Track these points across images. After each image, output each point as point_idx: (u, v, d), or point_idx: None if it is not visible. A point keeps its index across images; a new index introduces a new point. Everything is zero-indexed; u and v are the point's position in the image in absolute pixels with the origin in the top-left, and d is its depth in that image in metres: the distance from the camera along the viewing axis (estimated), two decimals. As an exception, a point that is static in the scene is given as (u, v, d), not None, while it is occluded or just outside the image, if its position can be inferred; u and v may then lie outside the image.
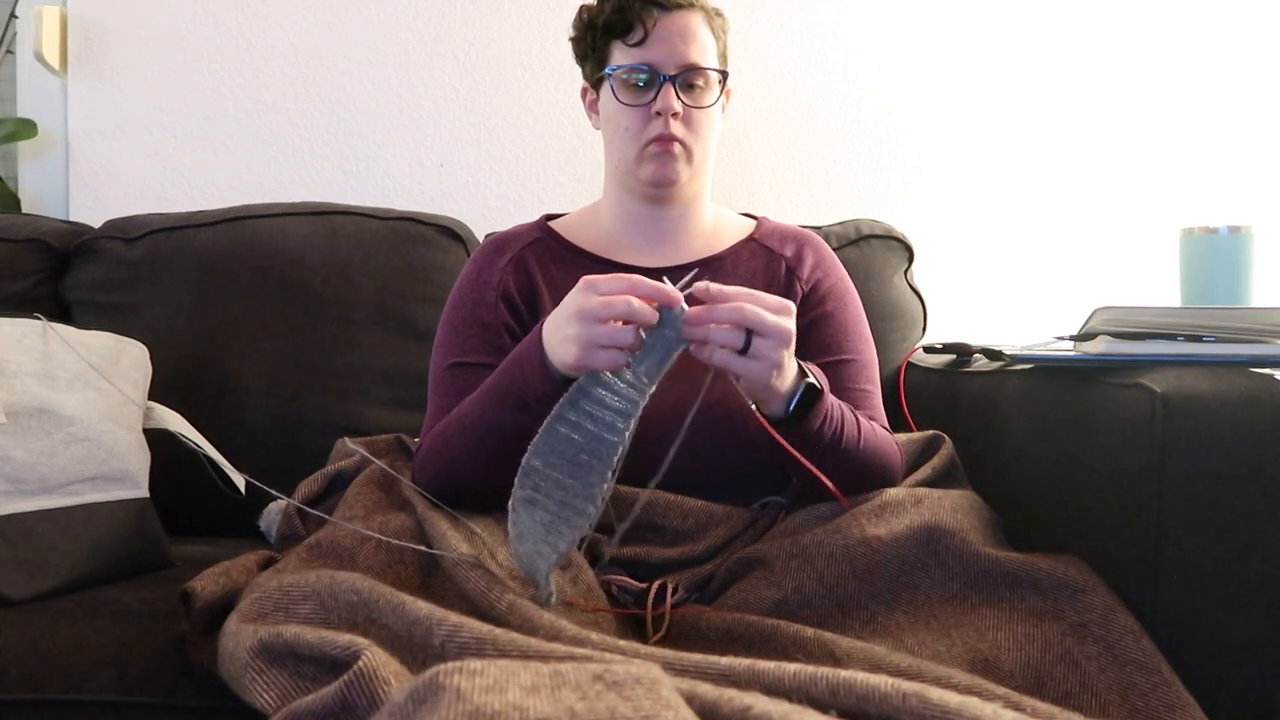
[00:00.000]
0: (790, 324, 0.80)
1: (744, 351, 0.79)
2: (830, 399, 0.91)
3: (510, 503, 0.77)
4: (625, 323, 0.77)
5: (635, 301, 0.76)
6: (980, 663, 0.74)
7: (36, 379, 1.07)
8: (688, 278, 0.79)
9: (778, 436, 0.84)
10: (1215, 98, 1.77)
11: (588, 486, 0.76)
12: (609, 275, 0.79)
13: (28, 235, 1.47)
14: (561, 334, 0.81)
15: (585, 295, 0.79)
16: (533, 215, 1.20)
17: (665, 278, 0.80)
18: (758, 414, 0.88)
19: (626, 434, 0.76)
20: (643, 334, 0.77)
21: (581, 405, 0.77)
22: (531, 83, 1.74)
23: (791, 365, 0.85)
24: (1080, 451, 0.93)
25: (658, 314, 0.77)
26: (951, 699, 0.55)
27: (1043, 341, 1.10)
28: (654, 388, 0.77)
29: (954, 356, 1.32)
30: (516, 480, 0.77)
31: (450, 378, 1.05)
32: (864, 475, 0.95)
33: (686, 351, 0.79)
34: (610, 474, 0.76)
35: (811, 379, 0.88)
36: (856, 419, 0.95)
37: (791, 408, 0.87)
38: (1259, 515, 0.80)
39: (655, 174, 1.05)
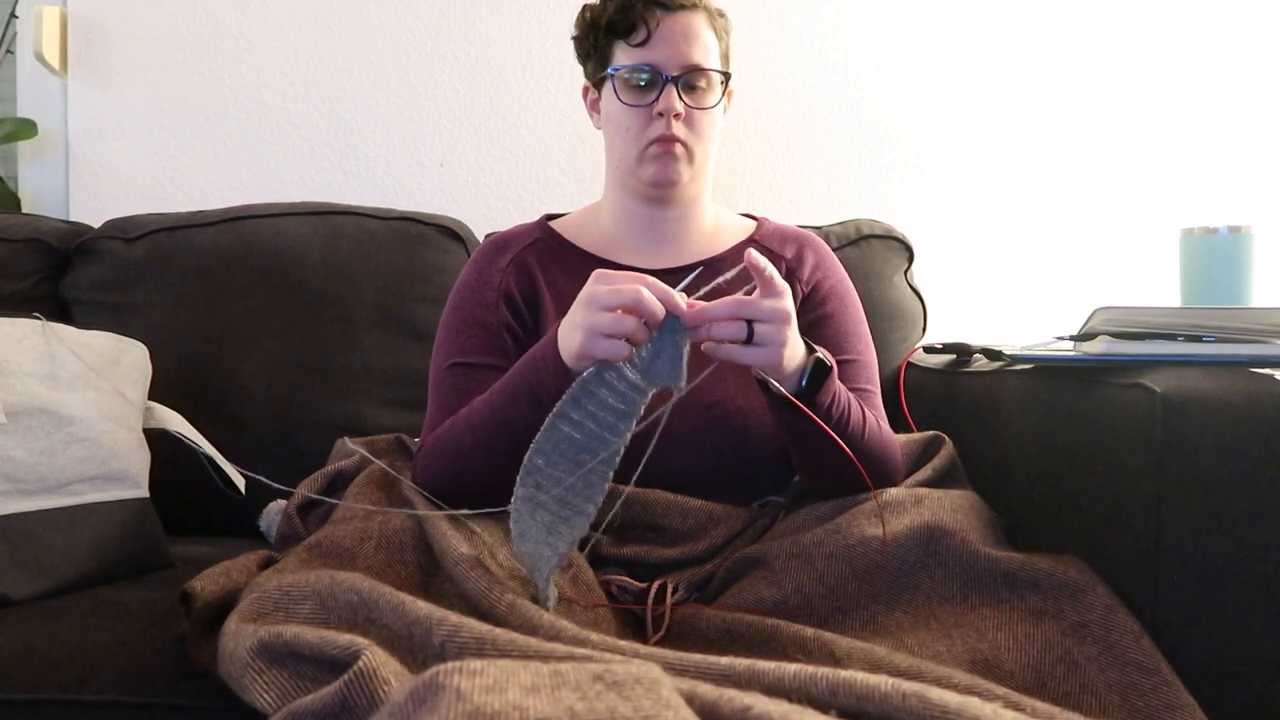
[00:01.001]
0: (786, 303, 0.81)
1: (749, 341, 0.80)
2: (839, 384, 0.92)
3: (513, 501, 0.78)
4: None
5: (644, 291, 0.76)
6: (980, 663, 0.74)
7: (37, 379, 1.07)
8: (689, 278, 0.80)
9: (807, 410, 0.85)
10: (1215, 98, 1.77)
11: (588, 486, 0.76)
12: (623, 272, 0.80)
13: (28, 235, 1.47)
14: (570, 323, 0.82)
15: (595, 284, 0.80)
16: (533, 215, 1.20)
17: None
18: (789, 397, 0.88)
19: (628, 434, 0.76)
20: (661, 344, 0.77)
21: (584, 404, 0.77)
22: (531, 83, 1.74)
23: (798, 342, 0.86)
24: (1080, 451, 0.93)
25: (664, 310, 0.77)
26: (951, 699, 0.55)
27: (1043, 341, 1.10)
28: (653, 392, 0.77)
29: (954, 356, 1.32)
30: (519, 478, 0.77)
31: (451, 378, 1.05)
32: (869, 468, 0.95)
33: (693, 349, 0.79)
34: (610, 473, 0.76)
35: (820, 354, 0.89)
36: (863, 411, 0.96)
37: (804, 382, 0.88)
38: (1259, 515, 0.80)
39: (656, 174, 1.05)
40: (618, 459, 0.76)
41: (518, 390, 0.89)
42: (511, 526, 0.78)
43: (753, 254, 0.79)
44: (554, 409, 0.77)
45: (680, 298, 0.78)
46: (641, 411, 0.77)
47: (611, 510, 0.87)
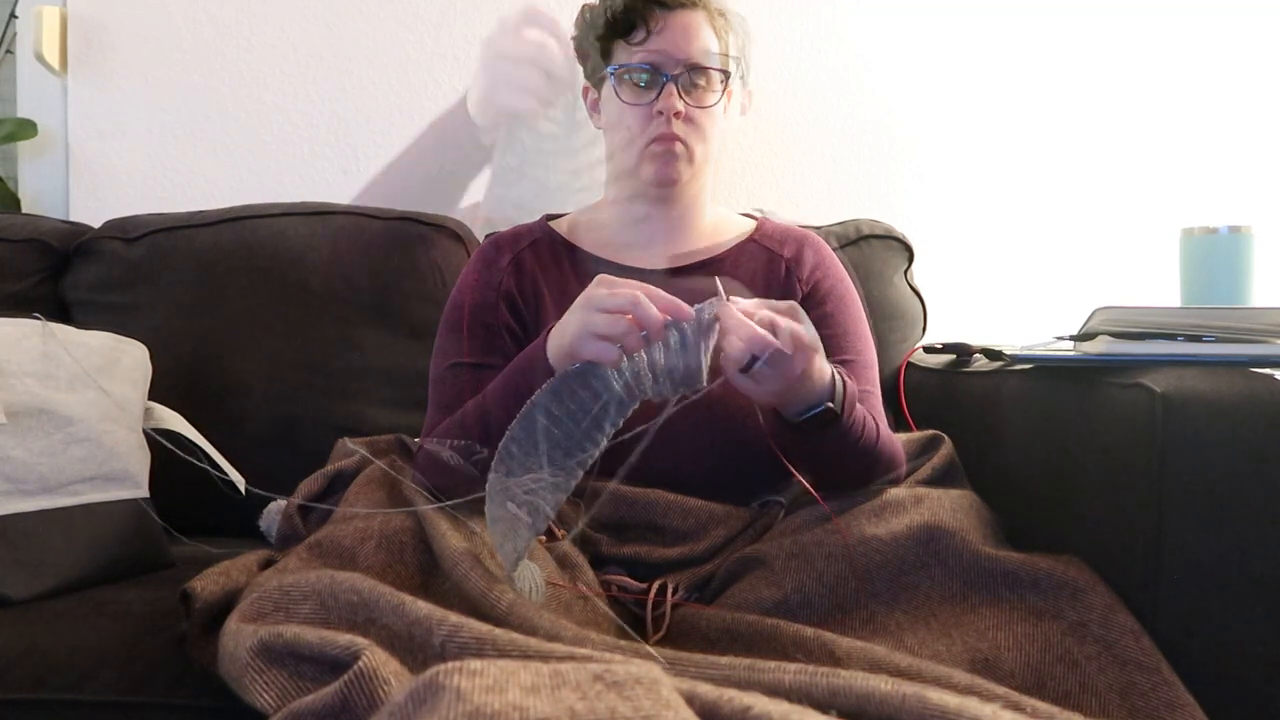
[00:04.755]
0: (796, 363, 0.80)
1: (745, 369, 0.79)
2: (858, 413, 0.91)
3: (487, 487, 0.77)
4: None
5: (642, 298, 0.76)
6: (980, 663, 0.74)
7: (36, 379, 1.07)
8: (708, 302, 0.78)
9: (780, 455, 0.85)
10: (1215, 98, 1.77)
11: (555, 488, 0.75)
12: (627, 280, 0.80)
13: (28, 235, 1.47)
14: (563, 323, 0.82)
15: (595, 286, 0.80)
16: (533, 215, 1.20)
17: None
18: (769, 422, 0.88)
19: (604, 442, 0.75)
20: (657, 356, 0.76)
21: (565, 401, 0.76)
22: (531, 83, 1.74)
23: (812, 380, 0.85)
24: (1080, 451, 0.93)
25: (663, 320, 0.76)
26: (951, 700, 0.55)
27: (1043, 341, 1.10)
28: (637, 404, 0.77)
29: (954, 356, 1.32)
30: (493, 464, 0.77)
31: (451, 378, 1.05)
32: (871, 475, 0.95)
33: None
34: (579, 476, 0.76)
35: (832, 404, 0.87)
36: (876, 426, 0.96)
37: (801, 419, 0.87)
38: (1259, 515, 0.80)
39: (657, 173, 1.05)
40: (588, 464, 0.75)
41: (506, 391, 0.89)
42: (486, 513, 0.78)
43: (796, 329, 0.79)
44: (532, 397, 0.77)
45: (720, 289, 0.77)
46: (621, 424, 0.76)
47: (593, 509, 0.87)
